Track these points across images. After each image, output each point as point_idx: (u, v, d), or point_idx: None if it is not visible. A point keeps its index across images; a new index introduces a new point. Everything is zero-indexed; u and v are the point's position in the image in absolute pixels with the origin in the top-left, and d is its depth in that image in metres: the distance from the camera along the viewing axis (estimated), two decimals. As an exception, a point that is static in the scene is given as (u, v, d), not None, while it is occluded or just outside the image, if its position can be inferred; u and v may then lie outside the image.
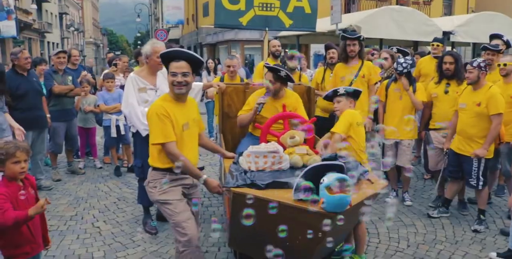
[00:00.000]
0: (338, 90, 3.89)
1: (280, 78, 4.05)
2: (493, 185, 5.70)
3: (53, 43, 46.90)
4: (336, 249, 3.78)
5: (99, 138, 7.83)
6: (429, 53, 7.02)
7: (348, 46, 5.51)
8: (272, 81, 4.03)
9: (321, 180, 2.36)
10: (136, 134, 4.51)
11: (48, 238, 3.21)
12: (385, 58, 6.40)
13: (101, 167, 7.17)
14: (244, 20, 5.44)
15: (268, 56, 6.59)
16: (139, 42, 36.56)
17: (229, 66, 5.65)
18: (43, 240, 3.11)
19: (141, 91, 4.32)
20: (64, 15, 52.99)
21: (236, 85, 4.93)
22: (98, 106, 6.87)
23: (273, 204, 2.52)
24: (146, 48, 4.34)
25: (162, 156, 3.19)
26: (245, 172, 3.07)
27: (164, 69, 4.62)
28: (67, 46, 50.41)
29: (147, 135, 4.28)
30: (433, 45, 6.69)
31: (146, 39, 71.36)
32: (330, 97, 3.98)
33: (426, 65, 6.57)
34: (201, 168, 6.06)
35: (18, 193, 2.80)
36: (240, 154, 3.38)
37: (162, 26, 34.53)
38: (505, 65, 4.93)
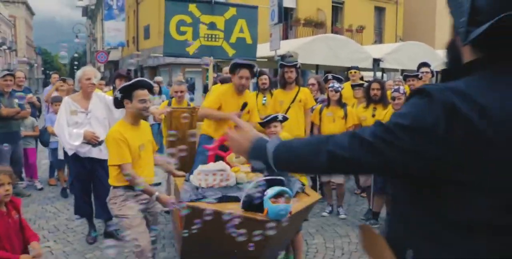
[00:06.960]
0: (277, 116, 4.33)
1: (252, 74, 4.60)
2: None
3: (-17, 62, 44.79)
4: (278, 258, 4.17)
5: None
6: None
7: (286, 73, 6.02)
8: (249, 77, 4.55)
9: (265, 193, 2.76)
10: (66, 154, 4.92)
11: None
12: (312, 84, 6.92)
13: (41, 188, 7.19)
14: (190, 49, 5.83)
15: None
16: (75, 62, 35.69)
17: (176, 92, 6.00)
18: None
19: (72, 114, 4.72)
20: (-5, 33, 50.87)
21: (184, 109, 5.28)
22: (45, 128, 6.92)
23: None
24: (78, 74, 4.82)
25: (119, 176, 3.51)
26: (197, 188, 3.42)
27: (100, 92, 4.96)
28: (-2, 65, 48.29)
29: (75, 155, 4.69)
30: (351, 72, 7.46)
31: (83, 59, 69.46)
32: (266, 122, 4.34)
33: (346, 90, 7.05)
34: (158, 184, 6.34)
35: None
36: (191, 172, 3.74)
37: (103, 48, 34.13)
38: None
